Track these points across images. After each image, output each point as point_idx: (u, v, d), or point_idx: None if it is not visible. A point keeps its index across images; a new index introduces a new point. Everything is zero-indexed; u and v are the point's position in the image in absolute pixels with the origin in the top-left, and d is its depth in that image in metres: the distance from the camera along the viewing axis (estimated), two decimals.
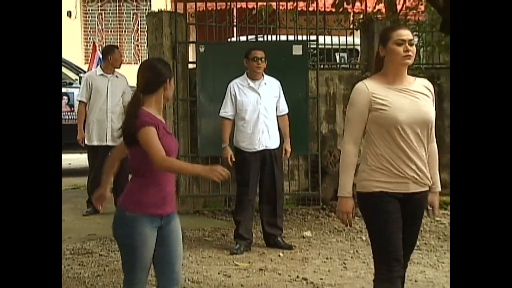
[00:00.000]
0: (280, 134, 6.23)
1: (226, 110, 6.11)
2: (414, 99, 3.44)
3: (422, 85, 3.53)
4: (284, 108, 6.28)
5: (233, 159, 6.09)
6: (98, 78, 7.44)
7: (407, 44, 3.41)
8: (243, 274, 5.39)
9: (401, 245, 3.47)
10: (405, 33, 3.44)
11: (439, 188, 3.60)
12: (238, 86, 6.10)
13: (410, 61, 3.45)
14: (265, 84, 6.13)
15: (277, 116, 6.21)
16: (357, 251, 6.10)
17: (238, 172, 6.15)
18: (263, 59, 6.06)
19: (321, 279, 5.22)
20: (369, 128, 3.45)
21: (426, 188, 3.52)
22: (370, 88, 3.43)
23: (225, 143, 6.10)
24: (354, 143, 3.47)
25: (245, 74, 6.15)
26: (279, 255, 5.95)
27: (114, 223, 3.51)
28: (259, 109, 6.07)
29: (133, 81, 8.14)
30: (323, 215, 7.59)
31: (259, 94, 6.09)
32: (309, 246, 6.27)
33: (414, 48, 3.44)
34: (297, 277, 5.28)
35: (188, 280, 5.19)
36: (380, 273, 3.50)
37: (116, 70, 7.53)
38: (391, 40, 3.43)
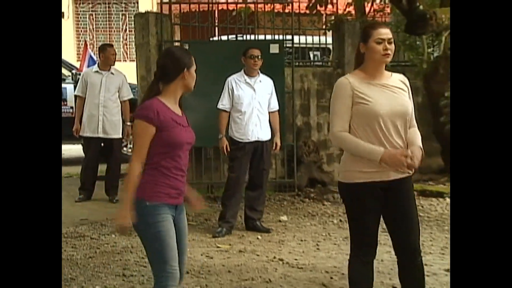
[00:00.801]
0: (270, 128, 6.25)
1: (224, 103, 6.11)
2: (392, 94, 3.40)
3: (399, 80, 3.49)
4: (275, 105, 6.29)
5: (229, 149, 6.10)
6: (93, 75, 7.42)
7: (386, 43, 3.36)
8: (224, 255, 5.40)
9: (377, 233, 3.46)
10: (385, 32, 3.39)
11: (419, 145, 3.40)
12: (236, 81, 6.10)
13: (389, 59, 3.40)
14: (260, 81, 6.16)
15: (268, 112, 6.23)
16: (329, 233, 6.13)
17: (231, 160, 6.17)
18: (259, 57, 6.07)
19: (295, 259, 5.24)
20: (351, 121, 3.39)
21: (407, 175, 3.42)
22: (352, 82, 3.38)
23: (222, 133, 6.11)
24: (345, 131, 3.37)
25: (242, 70, 6.15)
26: (257, 238, 5.96)
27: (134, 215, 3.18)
28: (254, 103, 6.08)
29: None
30: (298, 201, 7.61)
31: (254, 90, 6.10)
32: (285, 229, 6.29)
33: (392, 46, 3.38)
34: (274, 257, 5.30)
35: None
36: (355, 256, 3.52)
37: (113, 67, 7.48)
38: (371, 38, 3.37)
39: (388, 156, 3.28)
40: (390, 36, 3.39)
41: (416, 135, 3.45)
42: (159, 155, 3.17)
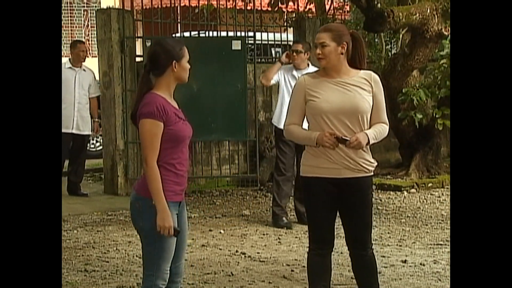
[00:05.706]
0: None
1: None
2: (345, 91, 3.39)
3: (362, 77, 3.44)
4: None
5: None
6: (66, 70, 7.33)
7: (319, 46, 3.38)
8: (187, 249, 5.36)
9: (332, 227, 3.49)
10: (318, 36, 3.42)
11: (367, 133, 3.38)
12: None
13: (321, 63, 3.41)
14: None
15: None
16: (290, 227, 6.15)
17: (280, 158, 6.10)
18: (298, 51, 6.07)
19: (258, 253, 5.26)
20: (306, 117, 3.47)
21: (364, 174, 3.43)
22: (307, 81, 3.44)
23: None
24: (294, 126, 3.49)
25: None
26: (220, 232, 5.95)
27: (137, 214, 3.06)
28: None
29: None
30: (260, 195, 7.62)
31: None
32: (248, 223, 6.29)
33: (326, 50, 3.35)
34: (236, 251, 5.30)
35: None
36: (312, 249, 3.56)
37: (83, 64, 7.48)
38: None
39: (319, 136, 3.35)
40: (322, 40, 3.37)
41: (373, 127, 3.42)
42: (163, 151, 3.02)
